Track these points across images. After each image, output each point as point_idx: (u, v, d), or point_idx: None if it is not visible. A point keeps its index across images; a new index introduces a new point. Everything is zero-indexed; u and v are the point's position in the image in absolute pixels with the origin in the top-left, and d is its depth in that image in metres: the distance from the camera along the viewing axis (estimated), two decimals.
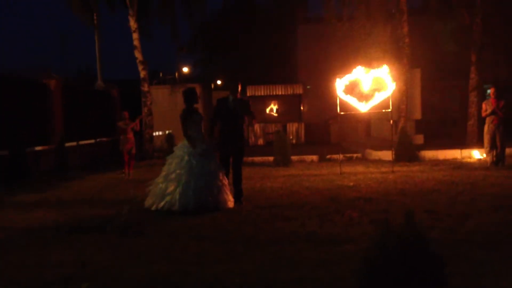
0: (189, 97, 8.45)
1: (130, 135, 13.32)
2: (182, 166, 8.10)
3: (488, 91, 12.84)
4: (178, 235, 6.53)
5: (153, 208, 8.09)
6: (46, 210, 8.69)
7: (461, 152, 15.27)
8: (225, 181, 8.33)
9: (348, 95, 12.62)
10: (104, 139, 18.68)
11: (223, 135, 8.62)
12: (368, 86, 12.44)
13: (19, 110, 13.31)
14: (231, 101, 8.59)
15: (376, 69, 12.39)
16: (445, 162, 14.18)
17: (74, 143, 16.18)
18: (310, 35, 25.92)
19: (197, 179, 7.98)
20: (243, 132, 8.79)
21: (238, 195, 8.56)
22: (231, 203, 8.31)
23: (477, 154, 14.55)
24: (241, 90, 8.84)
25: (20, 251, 6.02)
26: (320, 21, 20.27)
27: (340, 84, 12.55)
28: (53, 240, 6.49)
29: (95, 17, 20.32)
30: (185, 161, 8.12)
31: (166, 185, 8.13)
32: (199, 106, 8.72)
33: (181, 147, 8.38)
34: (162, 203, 8.02)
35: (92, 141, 17.85)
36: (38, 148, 13.87)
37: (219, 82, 39.77)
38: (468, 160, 14.47)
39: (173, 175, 8.13)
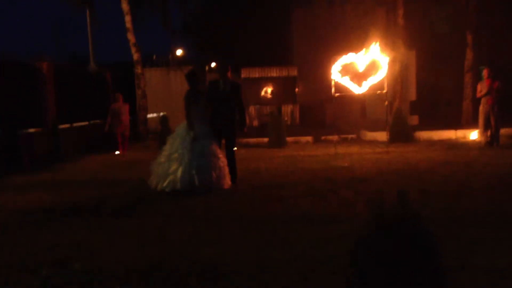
0: (192, 79, 8.41)
1: (123, 118, 13.29)
2: (185, 146, 8.09)
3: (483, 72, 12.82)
4: (172, 216, 6.52)
5: (158, 188, 8.07)
6: (40, 192, 8.66)
7: (455, 132, 15.31)
8: (225, 162, 8.34)
9: (344, 77, 12.59)
10: (98, 121, 18.59)
11: (215, 118, 8.55)
12: (363, 67, 12.40)
13: (12, 93, 13.21)
14: (221, 84, 8.56)
15: (369, 49, 12.32)
16: (440, 142, 14.20)
17: (67, 125, 16.10)
18: (305, 17, 25.74)
19: (199, 158, 7.99)
20: (235, 115, 8.68)
21: (232, 176, 8.54)
22: (227, 184, 8.32)
23: (472, 135, 14.57)
24: (230, 72, 8.73)
25: (14, 233, 6.00)
26: (315, 4, 20.15)
27: (335, 67, 12.51)
28: (48, 222, 6.47)
29: (86, 2, 20.15)
30: (188, 141, 8.11)
31: (169, 164, 8.12)
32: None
33: (183, 127, 8.33)
34: (166, 183, 8.02)
35: (86, 123, 17.76)
36: (31, 130, 13.79)
37: (213, 64, 39.57)
38: (463, 140, 14.50)
39: (175, 155, 8.12)
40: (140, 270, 4.52)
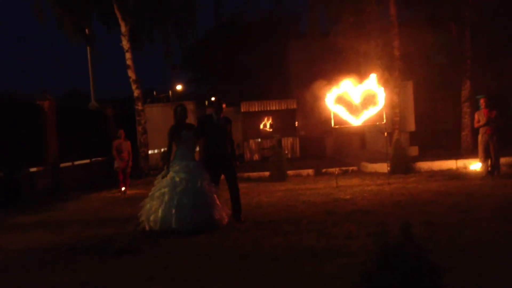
0: (175, 114, 8.36)
1: (125, 154, 13.33)
2: (167, 184, 7.94)
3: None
4: (176, 254, 6.51)
5: (147, 228, 7.86)
6: (42, 231, 8.65)
7: (456, 162, 15.32)
8: (216, 198, 8.09)
9: (341, 109, 12.70)
10: (99, 158, 18.65)
11: (210, 152, 8.50)
12: (359, 99, 12.53)
13: (13, 131, 13.30)
14: (215, 118, 8.61)
15: (364, 82, 12.48)
16: (441, 173, 14.21)
17: (69, 164, 16.15)
18: (302, 50, 26.08)
19: (181, 196, 7.75)
20: (229, 149, 8.63)
21: (237, 212, 8.43)
22: (225, 220, 8.08)
23: (472, 165, 14.57)
24: (224, 109, 8.76)
25: (18, 273, 5.97)
26: (308, 36, 20.40)
27: (331, 98, 12.64)
28: (51, 261, 6.45)
29: (88, 40, 20.44)
30: (169, 178, 7.96)
31: (151, 204, 7.97)
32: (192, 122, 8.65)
33: (177, 163, 8.16)
34: (149, 223, 7.84)
35: (87, 161, 17.83)
36: (33, 169, 13.83)
37: (213, 98, 39.82)
38: (463, 170, 14.49)
39: (157, 193, 7.97)
40: None
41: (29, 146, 14.05)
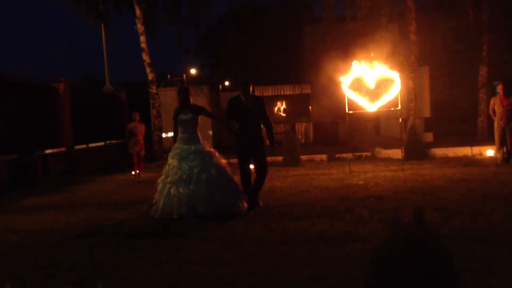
0: (179, 95, 8.06)
1: (140, 137, 13.38)
2: (169, 169, 7.85)
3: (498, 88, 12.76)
4: (188, 237, 6.53)
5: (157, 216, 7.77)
6: (57, 213, 8.74)
7: (471, 149, 15.18)
8: (228, 182, 7.85)
9: (356, 94, 12.58)
10: (113, 141, 18.75)
11: (240, 137, 8.16)
12: (374, 84, 12.38)
13: (29, 114, 13.39)
14: (244, 101, 8.16)
15: (379, 67, 12.30)
16: (455, 159, 14.10)
17: (83, 146, 16.26)
18: (317, 34, 25.89)
19: (170, 186, 7.67)
20: (261, 133, 8.29)
21: (250, 203, 8.01)
22: (240, 206, 7.81)
23: (487, 151, 14.44)
24: (253, 91, 8.29)
25: (32, 254, 6.05)
26: (325, 21, 20.24)
27: (345, 83, 12.52)
28: (65, 243, 6.53)
29: (103, 20, 20.45)
30: (173, 164, 7.84)
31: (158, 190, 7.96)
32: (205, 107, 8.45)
33: (174, 149, 8.01)
34: (157, 212, 7.80)
35: (102, 143, 17.93)
36: (47, 151, 13.94)
37: (227, 83, 39.85)
38: (479, 157, 14.38)
39: (161, 178, 7.93)
40: None
41: (44, 129, 14.15)
